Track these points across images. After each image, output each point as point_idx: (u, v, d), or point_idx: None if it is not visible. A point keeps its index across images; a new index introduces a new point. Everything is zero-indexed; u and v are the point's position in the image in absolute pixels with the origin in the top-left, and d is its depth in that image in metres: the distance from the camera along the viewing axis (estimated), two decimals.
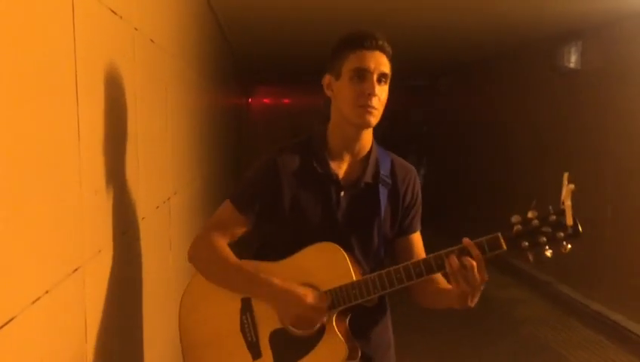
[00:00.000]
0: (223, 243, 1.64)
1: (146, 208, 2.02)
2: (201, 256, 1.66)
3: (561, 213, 1.45)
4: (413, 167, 1.76)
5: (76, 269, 1.28)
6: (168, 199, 2.44)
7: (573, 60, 5.90)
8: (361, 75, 1.55)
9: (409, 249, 1.73)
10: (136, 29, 1.93)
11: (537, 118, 6.86)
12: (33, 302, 1.05)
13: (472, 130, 9.07)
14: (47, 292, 1.11)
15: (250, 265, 1.63)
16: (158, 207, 2.23)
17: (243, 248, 1.76)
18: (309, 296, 1.53)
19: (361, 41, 1.56)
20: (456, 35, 6.23)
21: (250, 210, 1.64)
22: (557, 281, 6.16)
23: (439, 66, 9.48)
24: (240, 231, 1.67)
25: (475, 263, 1.45)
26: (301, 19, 5.29)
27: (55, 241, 1.19)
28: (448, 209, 8.93)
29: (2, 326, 0.93)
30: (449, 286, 1.55)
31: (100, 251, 1.47)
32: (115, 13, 1.67)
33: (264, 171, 1.65)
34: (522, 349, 4.57)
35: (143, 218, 1.94)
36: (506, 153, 7.65)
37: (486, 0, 4.59)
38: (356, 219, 1.65)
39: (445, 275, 1.53)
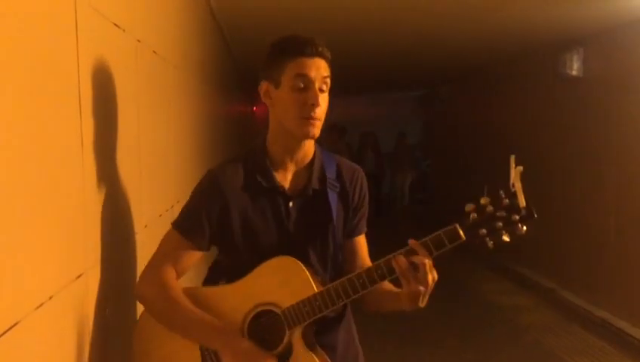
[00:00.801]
0: (171, 278, 1.53)
1: (149, 216, 2.05)
2: (145, 293, 1.55)
3: (513, 195, 1.43)
4: (359, 168, 1.71)
5: (80, 275, 1.32)
6: (171, 207, 2.48)
7: (575, 67, 5.92)
8: (303, 84, 1.48)
9: (355, 251, 1.68)
10: (139, 41, 1.98)
11: (539, 125, 6.87)
12: (37, 308, 1.08)
13: (473, 137, 9.09)
14: (50, 298, 1.14)
15: (204, 292, 1.57)
16: (160, 215, 2.26)
17: None
18: (243, 344, 1.46)
19: (300, 48, 1.49)
20: (457, 44, 6.27)
21: (198, 235, 1.54)
22: (560, 288, 6.16)
23: (440, 75, 9.51)
24: (190, 260, 1.58)
25: (427, 261, 1.41)
26: (303, 30, 5.34)
27: (59, 248, 1.22)
28: (449, 214, 8.92)
29: (6, 331, 0.97)
30: (396, 289, 1.51)
31: (103, 259, 1.50)
32: (118, 27, 1.71)
33: (207, 191, 1.57)
34: (526, 356, 4.57)
35: (145, 226, 1.98)
36: (506, 160, 7.64)
37: (487, 8, 4.63)
38: (309, 228, 1.59)
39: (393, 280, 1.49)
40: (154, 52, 2.24)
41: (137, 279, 1.60)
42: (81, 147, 1.35)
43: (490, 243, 1.44)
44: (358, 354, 1.73)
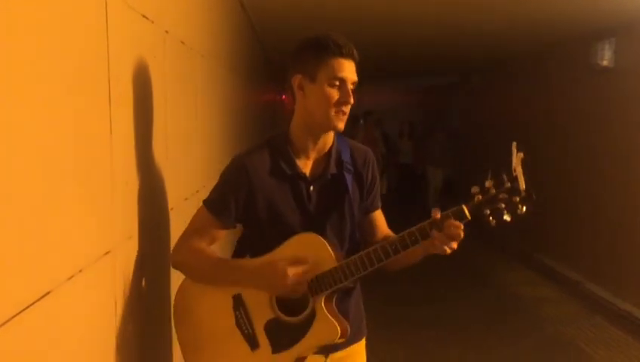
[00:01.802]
0: (202, 246, 1.73)
1: (175, 200, 2.16)
2: (184, 261, 1.75)
3: (515, 179, 1.58)
4: (369, 149, 1.89)
5: (107, 252, 1.42)
6: (197, 192, 2.58)
7: (606, 58, 5.85)
8: (339, 82, 1.65)
9: (375, 225, 1.89)
10: (167, 32, 2.07)
11: (569, 116, 6.80)
12: (68, 279, 1.19)
13: (502, 126, 9.02)
14: (80, 271, 1.25)
15: (233, 261, 1.78)
16: (186, 198, 2.37)
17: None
18: (288, 267, 1.62)
19: (339, 49, 1.65)
20: (489, 34, 6.24)
21: (225, 214, 1.72)
22: (587, 280, 6.13)
23: (471, 64, 9.45)
24: (218, 234, 1.77)
25: (460, 226, 1.58)
26: (330, 18, 5.38)
27: (89, 226, 1.32)
28: None
29: (40, 299, 1.07)
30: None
31: (130, 237, 1.61)
32: (146, 18, 1.81)
33: (235, 175, 1.73)
34: (546, 346, 4.59)
35: (171, 208, 2.08)
36: (534, 150, 7.60)
37: None
38: (328, 209, 1.76)
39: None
40: (182, 42, 2.34)
41: (171, 251, 1.81)
42: (110, 133, 1.45)
43: (493, 222, 1.60)
44: (362, 318, 1.94)
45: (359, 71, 1.71)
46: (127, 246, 1.59)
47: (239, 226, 1.82)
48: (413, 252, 1.66)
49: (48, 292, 1.10)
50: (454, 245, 1.60)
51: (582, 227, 6.44)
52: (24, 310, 1.00)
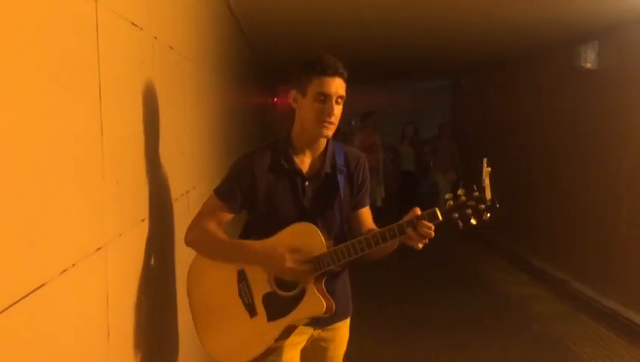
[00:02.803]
0: (213, 225, 2.02)
1: (164, 200, 2.23)
2: (196, 239, 2.05)
3: (482, 190, 1.86)
4: (363, 154, 2.19)
5: (99, 248, 1.49)
6: (187, 192, 2.65)
7: (590, 60, 5.96)
8: (324, 97, 1.94)
9: (362, 220, 2.17)
10: (155, 38, 2.14)
11: (553, 118, 6.92)
12: (62, 272, 1.26)
13: (489, 128, 9.14)
14: (73, 265, 1.32)
15: (241, 242, 2.06)
16: (176, 199, 2.43)
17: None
18: (286, 253, 1.92)
19: (324, 69, 1.94)
20: (475, 37, 6.33)
21: (231, 200, 2.02)
22: (573, 279, 6.23)
23: (460, 67, 9.55)
24: (225, 217, 2.05)
25: (432, 227, 1.87)
26: (321, 21, 5.46)
27: (80, 223, 1.39)
28: None
29: (35, 290, 1.14)
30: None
31: (120, 234, 1.68)
32: (135, 25, 1.88)
33: (242, 169, 2.05)
34: (532, 343, 4.67)
35: (160, 208, 2.15)
36: (523, 152, 7.72)
37: (502, 3, 4.70)
38: (320, 204, 2.06)
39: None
40: (170, 47, 2.41)
41: (185, 233, 2.07)
42: (101, 135, 1.52)
43: (461, 225, 1.89)
44: (349, 299, 2.23)
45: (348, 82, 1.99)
46: (119, 243, 1.66)
47: (244, 212, 2.11)
48: (391, 244, 1.95)
49: (43, 284, 1.17)
50: (426, 241, 1.88)
51: (568, 227, 6.55)
52: (20, 300, 1.07)
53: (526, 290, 6.24)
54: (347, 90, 2.01)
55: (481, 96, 10.01)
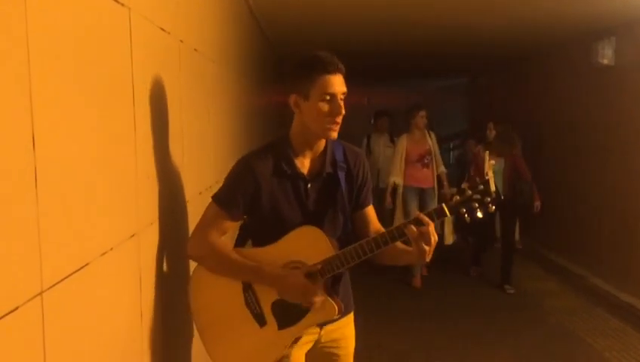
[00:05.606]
0: (218, 240, 1.93)
1: (191, 193, 2.38)
2: (199, 254, 1.96)
3: (486, 183, 1.87)
4: (361, 150, 2.13)
5: (133, 235, 1.65)
6: (210, 187, 2.81)
7: (607, 56, 5.99)
8: (329, 97, 1.85)
9: (366, 220, 2.09)
10: (181, 41, 2.29)
11: (572, 114, 6.95)
12: (102, 254, 1.41)
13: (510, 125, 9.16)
14: (112, 249, 1.47)
15: (244, 252, 1.96)
16: (200, 193, 2.59)
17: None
18: (298, 278, 1.85)
19: (325, 67, 1.84)
20: (493, 35, 6.40)
21: (233, 208, 1.92)
22: (591, 274, 6.27)
23: (477, 65, 9.59)
24: (228, 226, 1.96)
25: (430, 228, 1.81)
26: (340, 19, 5.56)
27: (117, 212, 1.55)
28: None
29: (79, 269, 1.29)
30: (408, 248, 1.90)
31: (152, 223, 1.83)
32: (164, 30, 2.03)
33: (242, 174, 1.93)
34: (547, 336, 4.74)
35: (188, 200, 2.31)
36: (539, 147, 7.75)
37: (520, 1, 4.77)
38: (323, 204, 1.99)
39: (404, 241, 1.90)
40: (195, 49, 2.56)
41: (187, 243, 2.00)
42: (134, 133, 1.67)
43: (468, 219, 1.88)
44: (350, 296, 2.16)
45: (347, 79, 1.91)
46: (150, 231, 1.81)
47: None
48: (399, 255, 1.93)
49: (87, 264, 1.32)
50: (429, 248, 1.81)
51: (585, 222, 6.58)
52: (72, 274, 1.23)
53: (543, 285, 6.29)
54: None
55: (497, 93, 10.04)
